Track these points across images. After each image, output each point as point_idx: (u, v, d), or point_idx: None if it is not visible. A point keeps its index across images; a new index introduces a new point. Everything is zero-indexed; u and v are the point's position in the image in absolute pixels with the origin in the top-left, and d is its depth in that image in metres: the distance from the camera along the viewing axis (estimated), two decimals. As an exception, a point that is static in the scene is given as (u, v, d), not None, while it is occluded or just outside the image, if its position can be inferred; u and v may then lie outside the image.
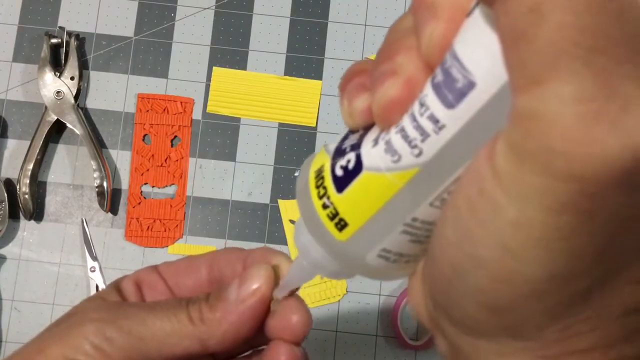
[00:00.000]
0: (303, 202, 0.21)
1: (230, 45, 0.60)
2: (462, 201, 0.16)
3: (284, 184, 0.58)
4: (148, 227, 0.57)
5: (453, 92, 0.16)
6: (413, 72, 0.18)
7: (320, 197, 0.20)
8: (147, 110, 0.59)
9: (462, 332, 0.19)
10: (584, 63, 0.13)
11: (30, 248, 0.57)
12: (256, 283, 0.28)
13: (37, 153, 0.56)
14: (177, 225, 0.58)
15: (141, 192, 0.58)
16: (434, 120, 0.17)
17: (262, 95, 0.60)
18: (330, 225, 0.20)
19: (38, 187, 0.58)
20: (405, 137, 0.18)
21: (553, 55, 0.13)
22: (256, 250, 0.31)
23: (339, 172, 0.20)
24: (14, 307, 0.56)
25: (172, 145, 0.59)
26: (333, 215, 0.20)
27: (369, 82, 0.19)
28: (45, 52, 0.57)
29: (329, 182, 0.20)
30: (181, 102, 0.59)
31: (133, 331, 0.27)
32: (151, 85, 0.59)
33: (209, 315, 0.27)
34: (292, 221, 0.57)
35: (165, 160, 0.58)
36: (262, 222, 0.58)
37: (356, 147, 0.20)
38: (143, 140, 0.59)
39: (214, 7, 0.61)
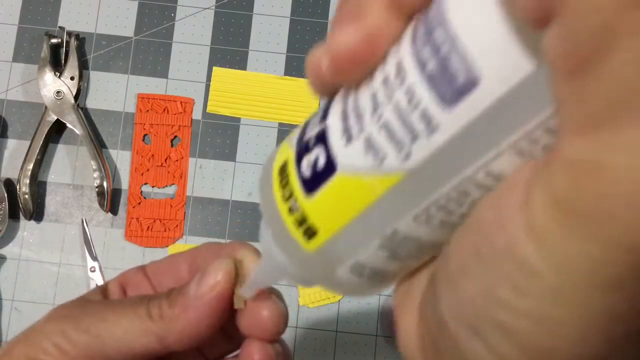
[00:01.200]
0: (266, 204, 0.18)
1: (230, 45, 0.60)
2: (485, 251, 0.13)
3: (284, 184, 0.58)
4: (148, 227, 0.57)
5: (451, 87, 0.13)
6: (377, 18, 0.14)
7: (286, 200, 0.17)
8: (147, 110, 0.59)
9: None
10: None
11: (30, 248, 0.57)
12: (214, 278, 0.26)
13: (37, 153, 0.56)
14: (177, 225, 0.58)
15: (141, 192, 0.58)
16: (427, 119, 0.14)
17: (262, 95, 0.60)
18: (297, 233, 0.17)
19: (38, 187, 0.58)
20: (391, 135, 0.15)
21: (627, 94, 0.10)
22: (229, 244, 0.30)
23: (307, 171, 0.17)
24: (14, 307, 0.56)
25: (172, 145, 0.59)
26: (301, 221, 0.17)
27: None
28: (45, 52, 0.57)
29: (295, 182, 0.17)
30: (181, 102, 0.59)
31: (91, 328, 0.27)
32: (151, 85, 0.59)
33: (168, 311, 0.27)
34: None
35: (165, 160, 0.58)
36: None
37: (322, 138, 0.16)
38: (143, 140, 0.59)
39: (214, 7, 0.61)
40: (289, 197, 0.17)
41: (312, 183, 0.17)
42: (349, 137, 0.16)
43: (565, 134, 0.11)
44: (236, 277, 0.27)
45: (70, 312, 0.28)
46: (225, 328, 0.28)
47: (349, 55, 0.15)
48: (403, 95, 0.14)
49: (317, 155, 0.17)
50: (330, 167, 0.16)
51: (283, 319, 0.27)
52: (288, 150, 0.18)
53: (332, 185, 0.16)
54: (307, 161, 0.17)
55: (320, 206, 0.17)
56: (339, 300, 0.57)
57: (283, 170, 0.18)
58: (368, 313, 0.57)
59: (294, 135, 0.18)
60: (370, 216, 0.16)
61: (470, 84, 0.13)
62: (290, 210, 0.17)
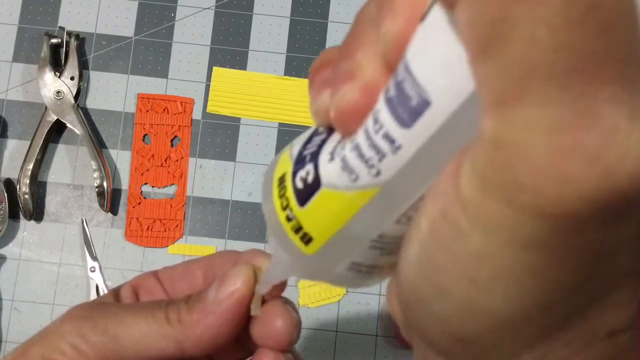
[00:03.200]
0: (267, 211, 0.20)
1: (230, 45, 0.60)
2: (424, 222, 0.15)
3: (284, 184, 0.58)
4: (148, 227, 0.57)
5: (407, 110, 0.15)
6: (372, 74, 0.16)
7: (284, 209, 0.19)
8: (147, 110, 0.59)
9: (431, 351, 0.18)
10: (560, 86, 0.11)
11: (30, 248, 0.57)
12: (234, 284, 0.26)
13: (37, 153, 0.56)
14: (177, 225, 0.58)
15: (141, 192, 0.58)
16: (390, 139, 0.15)
17: (262, 95, 0.60)
18: (295, 239, 0.19)
19: (38, 187, 0.58)
20: (361, 155, 0.16)
21: (522, 75, 0.11)
22: (246, 252, 0.30)
23: (300, 184, 0.18)
24: (14, 307, 0.56)
25: (172, 145, 0.59)
26: (297, 229, 0.19)
27: (332, 79, 0.18)
28: (45, 52, 0.57)
29: (290, 194, 0.19)
30: (181, 102, 0.59)
31: (109, 330, 0.27)
32: (151, 85, 0.59)
33: (187, 316, 0.27)
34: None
35: (165, 160, 0.58)
36: (262, 222, 0.58)
37: (315, 156, 0.18)
38: (143, 140, 0.59)
39: (214, 7, 0.61)
40: (286, 206, 0.19)
41: (304, 195, 0.18)
42: (331, 157, 0.18)
43: (482, 113, 0.12)
44: (255, 284, 0.27)
45: (88, 313, 0.28)
46: (238, 335, 0.28)
47: (352, 110, 0.16)
48: (370, 119, 0.16)
49: (308, 170, 0.18)
50: (316, 183, 0.18)
51: (297, 328, 0.27)
52: (288, 162, 0.19)
53: (319, 199, 0.18)
54: (300, 175, 0.18)
55: (311, 216, 0.18)
56: (339, 301, 0.57)
57: (282, 180, 0.19)
58: (368, 313, 0.57)
59: (297, 145, 0.20)
60: (356, 225, 0.18)
61: (423, 105, 0.14)
62: (288, 218, 0.19)
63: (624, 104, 0.11)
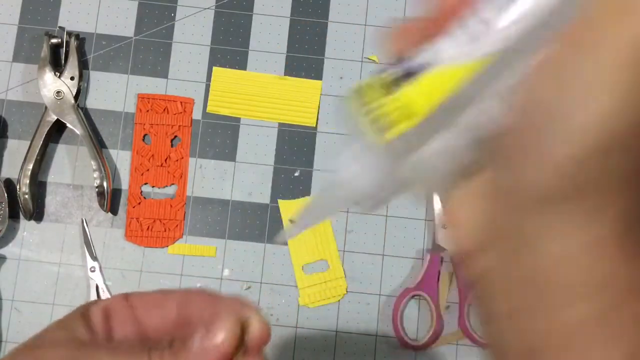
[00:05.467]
0: (356, 104, 0.21)
1: (230, 45, 0.60)
2: (566, 44, 0.17)
3: (284, 184, 0.58)
4: (148, 227, 0.57)
5: None
6: None
7: (385, 93, 0.21)
8: (147, 110, 0.59)
9: (526, 208, 0.19)
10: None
11: (30, 248, 0.57)
12: (220, 337, 0.27)
13: (37, 153, 0.56)
14: (177, 225, 0.58)
15: (141, 192, 0.58)
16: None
17: (262, 95, 0.60)
18: (393, 117, 0.20)
19: (38, 187, 0.58)
20: (484, 20, 0.19)
21: None
22: (227, 298, 0.30)
23: (403, 72, 0.20)
24: (14, 307, 0.56)
25: (172, 145, 0.59)
26: (398, 107, 0.20)
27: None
28: (45, 52, 0.57)
29: (391, 81, 0.21)
30: (181, 102, 0.59)
31: None
32: (151, 85, 0.59)
33: None
34: (292, 221, 0.57)
35: (165, 160, 0.58)
36: (262, 222, 0.58)
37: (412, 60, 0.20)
38: (143, 140, 0.59)
39: (214, 7, 0.61)
40: (388, 90, 0.20)
41: (410, 77, 0.20)
42: (449, 36, 0.20)
43: None
44: (241, 338, 0.27)
45: (68, 353, 0.27)
46: None
47: None
48: None
49: (418, 61, 0.20)
50: (426, 64, 0.20)
51: None
52: (376, 78, 0.21)
53: (429, 75, 0.20)
54: (406, 66, 0.20)
55: (416, 93, 0.20)
56: (339, 301, 0.57)
57: (383, 80, 0.21)
58: (368, 313, 0.57)
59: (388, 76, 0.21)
60: (457, 98, 0.19)
61: None
62: (392, 99, 0.20)
63: None
